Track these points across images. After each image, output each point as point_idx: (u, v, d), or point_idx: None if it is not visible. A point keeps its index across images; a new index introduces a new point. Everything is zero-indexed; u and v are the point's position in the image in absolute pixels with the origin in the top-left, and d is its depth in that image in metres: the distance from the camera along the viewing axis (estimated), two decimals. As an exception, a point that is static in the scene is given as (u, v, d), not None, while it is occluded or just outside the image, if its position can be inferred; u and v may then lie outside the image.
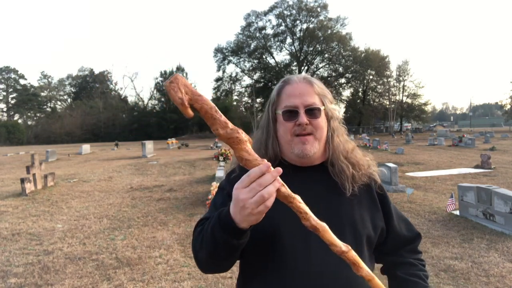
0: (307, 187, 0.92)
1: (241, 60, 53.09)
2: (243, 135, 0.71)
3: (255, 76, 54.65)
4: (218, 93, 55.07)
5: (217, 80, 54.41)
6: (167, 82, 0.67)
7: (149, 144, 19.09)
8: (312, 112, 0.97)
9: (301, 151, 0.96)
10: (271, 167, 0.69)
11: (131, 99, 66.40)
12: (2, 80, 62.85)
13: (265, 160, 0.69)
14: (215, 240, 0.79)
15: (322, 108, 0.99)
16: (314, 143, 0.97)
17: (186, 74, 61.44)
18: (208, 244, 0.84)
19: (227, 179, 1.05)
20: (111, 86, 66.15)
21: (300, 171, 1.00)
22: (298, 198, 0.70)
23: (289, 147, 0.99)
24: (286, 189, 0.70)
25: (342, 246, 0.72)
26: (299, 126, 0.96)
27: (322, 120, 0.99)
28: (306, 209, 0.71)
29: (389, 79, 50.94)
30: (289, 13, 50.15)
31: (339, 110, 1.09)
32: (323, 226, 0.71)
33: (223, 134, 0.70)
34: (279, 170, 0.69)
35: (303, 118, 0.95)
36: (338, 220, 0.91)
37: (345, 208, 0.96)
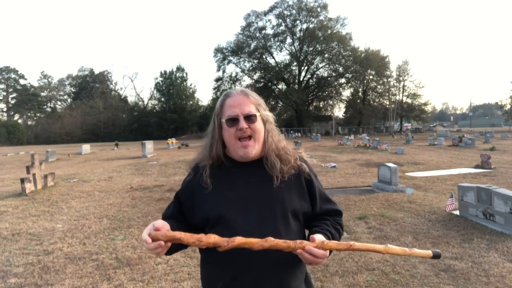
0: (247, 179, 1.22)
1: (241, 60, 53.15)
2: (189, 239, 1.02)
3: (255, 76, 54.70)
4: (218, 93, 55.01)
5: (217, 80, 54.47)
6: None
7: (149, 144, 19.10)
8: (249, 118, 1.21)
9: (244, 153, 1.21)
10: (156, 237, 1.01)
11: (131, 99, 66.37)
12: (2, 80, 62.87)
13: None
14: None
15: (257, 114, 1.23)
16: (254, 146, 1.22)
17: (186, 74, 61.57)
18: None
19: (183, 181, 1.32)
20: (111, 86, 66.19)
21: (242, 166, 1.25)
22: (204, 241, 1.00)
23: (234, 148, 1.23)
24: (184, 241, 1.01)
25: (259, 240, 1.02)
26: (240, 130, 1.19)
27: (258, 124, 1.23)
28: (208, 239, 1.01)
29: (389, 79, 50.99)
30: (289, 13, 50.17)
31: (273, 116, 1.32)
32: (231, 242, 1.00)
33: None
34: (164, 247, 1.04)
35: (243, 123, 1.19)
36: (269, 202, 1.18)
37: (276, 193, 1.19)
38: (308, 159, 1.35)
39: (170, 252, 1.14)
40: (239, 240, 1.00)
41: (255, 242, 1.01)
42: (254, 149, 1.21)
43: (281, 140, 1.30)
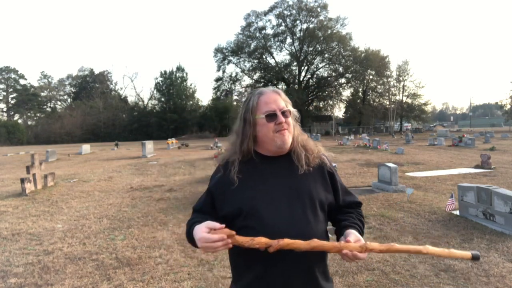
0: (276, 172, 1.30)
1: (241, 60, 53.11)
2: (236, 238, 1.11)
3: (255, 76, 54.66)
4: (218, 93, 55.11)
5: (217, 80, 54.44)
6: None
7: (149, 144, 19.10)
8: (285, 113, 1.31)
9: (282, 141, 1.28)
10: (228, 233, 1.09)
11: (131, 99, 66.20)
12: (2, 80, 62.84)
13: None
14: (189, 240, 1.26)
15: (291, 110, 1.34)
16: (289, 135, 1.31)
17: (186, 74, 61.54)
18: (188, 238, 1.28)
19: (212, 179, 1.39)
20: (111, 86, 66.18)
21: (271, 160, 1.33)
22: (257, 240, 1.09)
23: (271, 141, 1.30)
24: (239, 240, 1.10)
25: (305, 243, 1.09)
26: (279, 124, 1.28)
27: (291, 119, 1.34)
28: (260, 239, 1.09)
29: (389, 79, 50.93)
30: (289, 13, 50.13)
31: (296, 112, 1.41)
32: (280, 242, 1.08)
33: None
34: (232, 236, 1.10)
35: (281, 118, 1.28)
36: (298, 192, 1.26)
37: (303, 183, 1.28)
38: (327, 153, 1.43)
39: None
40: (287, 241, 1.08)
41: (301, 243, 1.09)
42: (289, 138, 1.30)
43: (303, 133, 1.41)
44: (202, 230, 1.12)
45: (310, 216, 1.23)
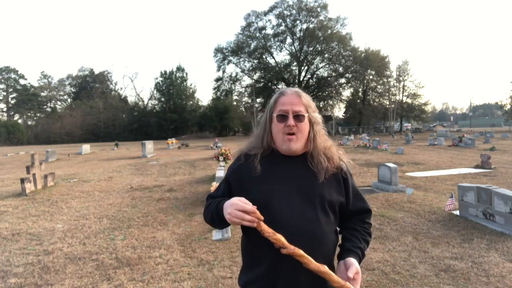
0: (293, 172, 1.33)
1: (241, 60, 53.12)
2: (265, 227, 1.16)
3: (255, 76, 54.63)
4: (218, 93, 55.08)
5: (217, 80, 54.44)
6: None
7: (149, 144, 19.09)
8: (298, 117, 1.32)
9: (287, 147, 1.32)
10: (258, 214, 1.15)
11: (131, 99, 66.03)
12: (2, 80, 62.81)
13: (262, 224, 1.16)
14: (214, 217, 1.32)
15: (306, 115, 1.34)
16: (297, 142, 1.32)
17: (186, 74, 61.53)
18: (211, 217, 1.34)
19: (231, 166, 1.44)
20: (111, 86, 66.17)
21: (288, 159, 1.35)
22: (278, 236, 1.14)
23: (280, 142, 1.34)
24: (263, 227, 1.14)
25: (315, 263, 1.12)
26: (288, 127, 1.30)
27: (305, 124, 1.34)
28: (280, 237, 1.14)
29: (389, 79, 50.92)
30: (289, 13, 50.15)
31: (321, 117, 1.42)
32: (295, 250, 1.12)
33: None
34: (259, 220, 1.16)
35: (291, 121, 1.31)
36: (311, 194, 1.29)
37: (317, 186, 1.31)
38: (346, 159, 1.45)
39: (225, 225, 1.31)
40: (301, 252, 1.12)
41: (312, 262, 1.12)
42: (296, 145, 1.32)
43: (328, 140, 1.42)
44: (236, 200, 1.17)
45: (321, 217, 1.26)
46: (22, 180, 8.13)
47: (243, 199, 1.18)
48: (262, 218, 1.15)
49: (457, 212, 5.49)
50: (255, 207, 1.16)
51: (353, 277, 1.18)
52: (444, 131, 36.44)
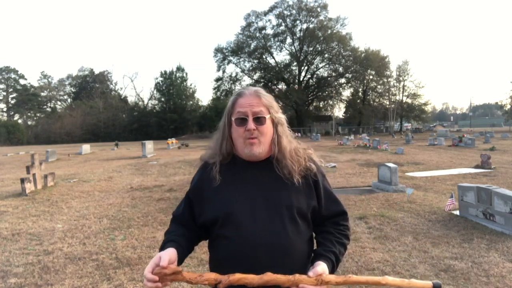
0: (256, 178, 1.23)
1: (241, 60, 53.07)
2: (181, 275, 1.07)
3: (255, 76, 54.62)
4: (218, 93, 55.02)
5: (217, 80, 54.39)
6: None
7: (149, 144, 19.08)
8: (258, 119, 1.21)
9: (249, 151, 1.21)
10: (164, 270, 1.06)
11: (131, 99, 66.09)
12: (2, 80, 62.82)
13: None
14: None
15: (267, 116, 1.23)
16: (259, 146, 1.21)
17: (186, 74, 61.48)
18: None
19: (193, 178, 1.37)
20: (111, 86, 66.17)
21: (250, 165, 1.25)
22: (206, 276, 1.04)
23: (241, 147, 1.23)
24: (186, 277, 1.05)
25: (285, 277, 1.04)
26: (248, 131, 1.19)
27: (267, 126, 1.23)
28: (209, 276, 1.04)
29: (389, 79, 50.95)
30: (289, 13, 50.10)
31: (285, 117, 1.32)
32: (230, 277, 1.03)
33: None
34: (158, 286, 1.06)
35: (251, 124, 1.19)
36: (277, 202, 1.19)
37: (284, 193, 1.20)
38: (317, 159, 1.35)
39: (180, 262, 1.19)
40: (238, 276, 1.03)
41: (254, 278, 1.03)
42: (259, 148, 1.21)
43: (293, 141, 1.31)
44: (150, 265, 1.07)
45: (289, 227, 1.17)
46: (22, 180, 8.13)
47: (156, 260, 1.07)
48: (180, 269, 1.06)
49: (457, 212, 5.49)
50: (169, 268, 1.05)
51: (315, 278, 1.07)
52: (444, 131, 36.44)
